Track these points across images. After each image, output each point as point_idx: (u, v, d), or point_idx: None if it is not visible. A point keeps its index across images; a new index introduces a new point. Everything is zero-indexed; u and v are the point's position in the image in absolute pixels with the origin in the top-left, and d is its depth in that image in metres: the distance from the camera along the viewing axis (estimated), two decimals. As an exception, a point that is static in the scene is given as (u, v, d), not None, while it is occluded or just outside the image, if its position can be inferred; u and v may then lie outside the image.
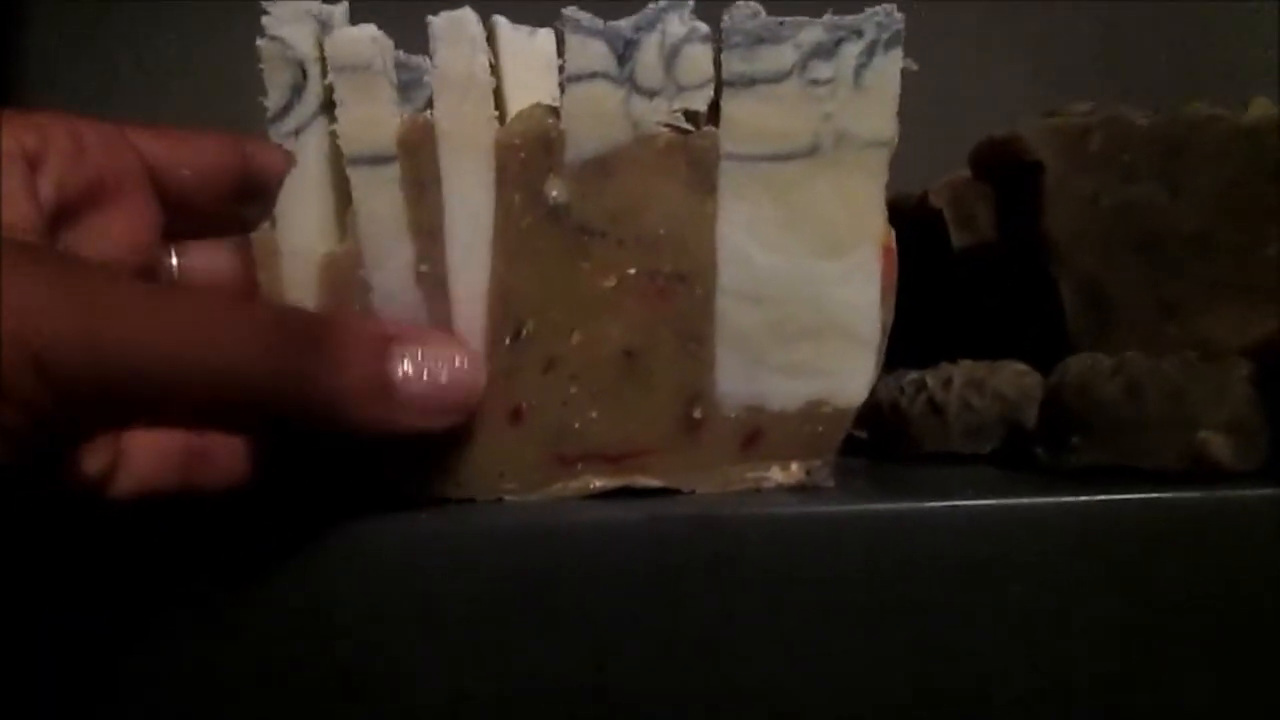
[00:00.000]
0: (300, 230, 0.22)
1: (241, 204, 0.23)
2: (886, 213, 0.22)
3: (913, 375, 0.29)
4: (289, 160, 0.22)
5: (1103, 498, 0.21)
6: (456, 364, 0.21)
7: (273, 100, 0.22)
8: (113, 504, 0.21)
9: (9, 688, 0.21)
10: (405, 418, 0.20)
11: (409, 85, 0.23)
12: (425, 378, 0.20)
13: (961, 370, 0.28)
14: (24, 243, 0.18)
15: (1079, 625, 0.20)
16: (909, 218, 0.30)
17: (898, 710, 0.21)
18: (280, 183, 0.22)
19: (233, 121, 0.24)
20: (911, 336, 0.25)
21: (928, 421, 0.27)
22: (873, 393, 0.24)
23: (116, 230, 0.21)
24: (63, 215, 0.21)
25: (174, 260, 0.23)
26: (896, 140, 0.22)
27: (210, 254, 0.23)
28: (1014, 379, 0.27)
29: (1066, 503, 0.21)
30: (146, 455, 0.22)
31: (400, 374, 0.20)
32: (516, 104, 0.22)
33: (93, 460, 0.20)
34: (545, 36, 0.23)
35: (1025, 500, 0.21)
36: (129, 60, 0.53)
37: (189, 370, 0.17)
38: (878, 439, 0.29)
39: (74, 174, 0.20)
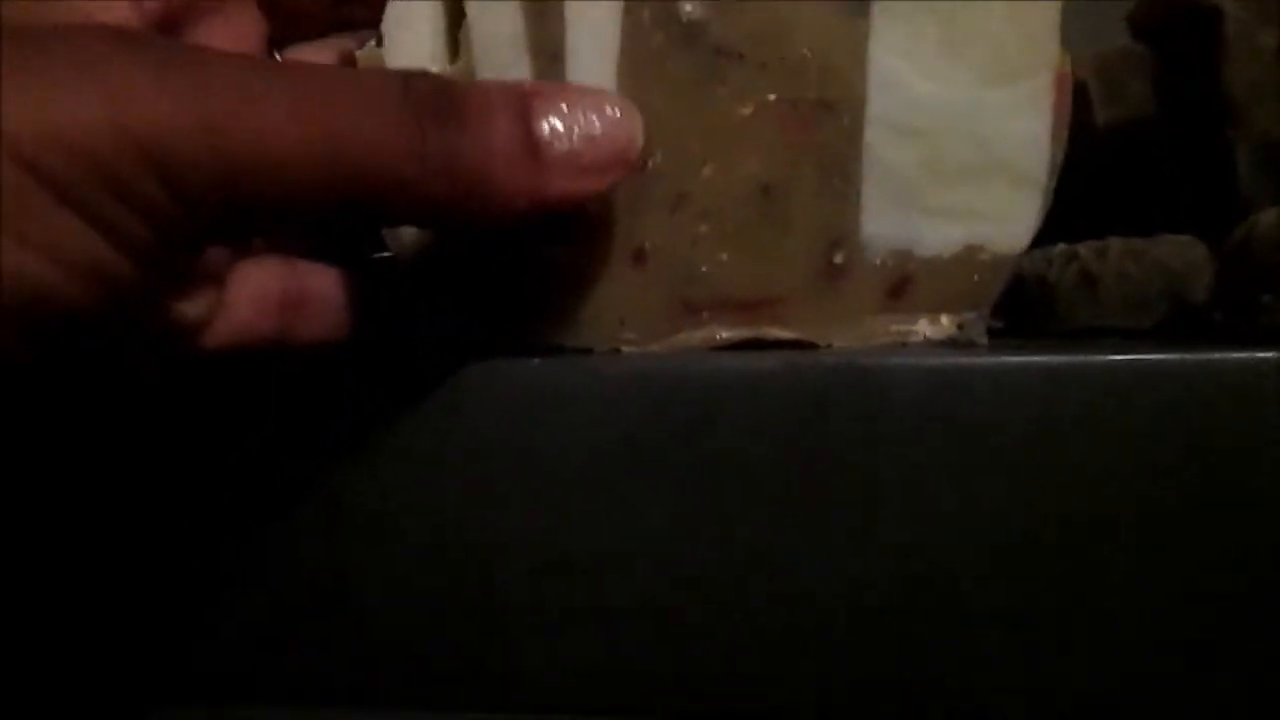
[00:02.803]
0: (409, 49, 0.21)
1: (344, 4, 0.22)
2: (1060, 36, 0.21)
3: (1061, 247, 0.27)
4: None
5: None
6: (608, 112, 0.19)
7: (382, -94, 0.21)
8: (211, 352, 0.21)
9: (93, 542, 0.22)
10: (559, 180, 0.18)
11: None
12: (576, 131, 0.19)
13: (1118, 241, 0.26)
14: (122, 29, 0.17)
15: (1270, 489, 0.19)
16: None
17: (1047, 564, 0.20)
18: None
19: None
20: (1054, 219, 0.24)
21: (1080, 294, 0.26)
22: (1014, 267, 0.23)
23: (221, 41, 0.21)
24: (166, 26, 0.21)
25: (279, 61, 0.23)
26: (1079, -49, 0.20)
27: (312, 52, 0.23)
28: (1178, 249, 0.26)
29: (1260, 359, 0.19)
30: (245, 304, 0.21)
31: (547, 129, 0.18)
32: (647, -86, 0.21)
33: (192, 306, 0.20)
34: None
35: (1207, 356, 0.20)
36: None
37: (322, 153, 0.16)
38: (1019, 316, 0.27)
39: None
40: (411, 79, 0.18)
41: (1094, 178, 0.31)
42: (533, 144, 0.18)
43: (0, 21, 0.16)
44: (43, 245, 0.15)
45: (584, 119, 0.19)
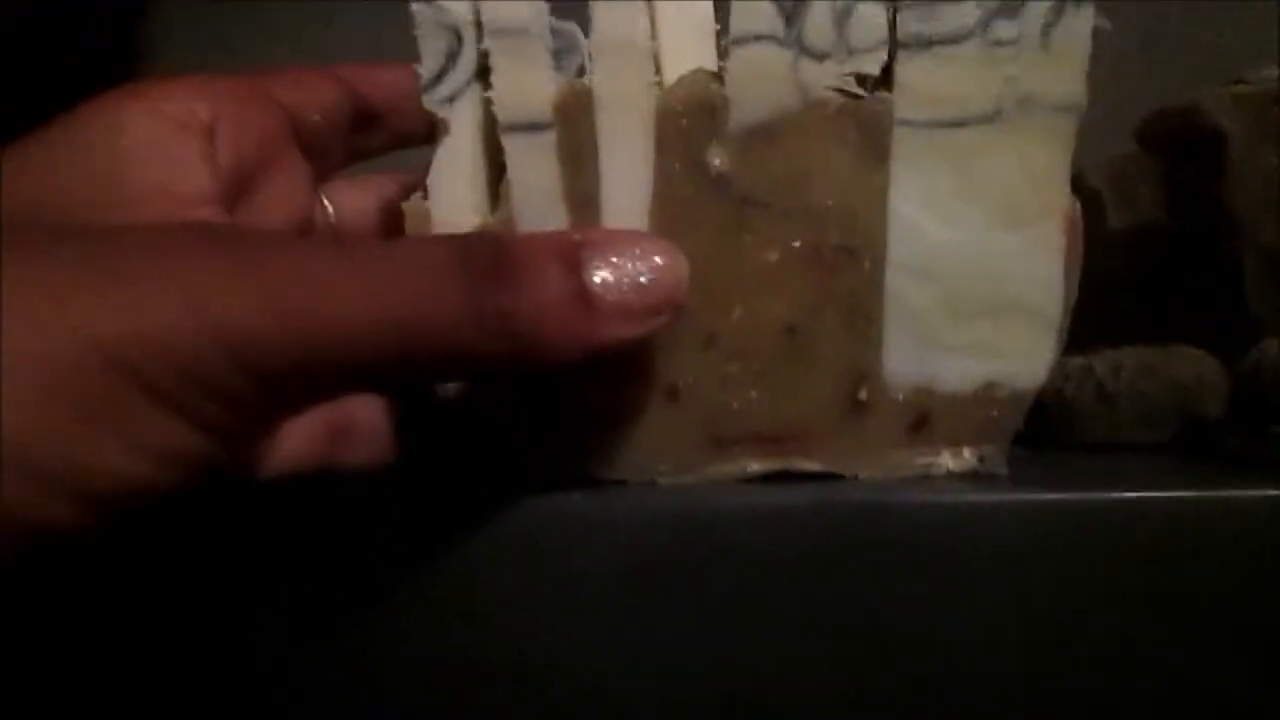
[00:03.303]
0: (453, 201, 0.23)
1: (356, 134, 0.24)
2: (1069, 183, 0.22)
3: (1077, 361, 0.28)
4: (442, 128, 0.23)
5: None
6: (655, 259, 0.20)
7: (427, 67, 0.22)
8: (263, 484, 0.22)
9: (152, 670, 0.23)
10: (610, 327, 0.19)
11: (561, 52, 0.23)
12: (625, 280, 0.19)
13: (1132, 356, 0.28)
14: (198, 224, 0.18)
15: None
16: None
17: (1075, 702, 0.21)
18: (393, 108, 0.23)
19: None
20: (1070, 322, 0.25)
21: (1096, 410, 0.27)
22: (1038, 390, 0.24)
23: (282, 190, 0.22)
24: (239, 184, 0.22)
25: (329, 208, 0.24)
26: (1085, 104, 0.22)
27: (354, 193, 0.24)
28: (1191, 364, 0.27)
29: (1271, 497, 0.21)
30: (294, 434, 0.22)
31: (598, 280, 0.19)
32: (673, 70, 0.22)
33: (251, 453, 0.21)
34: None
35: (1225, 493, 0.21)
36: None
37: (386, 330, 0.17)
38: (1037, 428, 0.28)
39: (245, 140, 0.21)
40: (470, 245, 0.19)
41: (1108, 281, 0.32)
42: (585, 296, 0.19)
43: (77, 225, 0.18)
44: (137, 443, 0.16)
45: (633, 266, 0.19)
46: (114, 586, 0.22)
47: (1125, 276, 0.33)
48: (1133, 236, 0.33)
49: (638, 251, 0.20)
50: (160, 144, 0.21)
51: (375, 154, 0.26)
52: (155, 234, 0.17)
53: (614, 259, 0.19)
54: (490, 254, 0.19)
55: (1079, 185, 0.35)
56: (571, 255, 0.19)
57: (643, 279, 0.20)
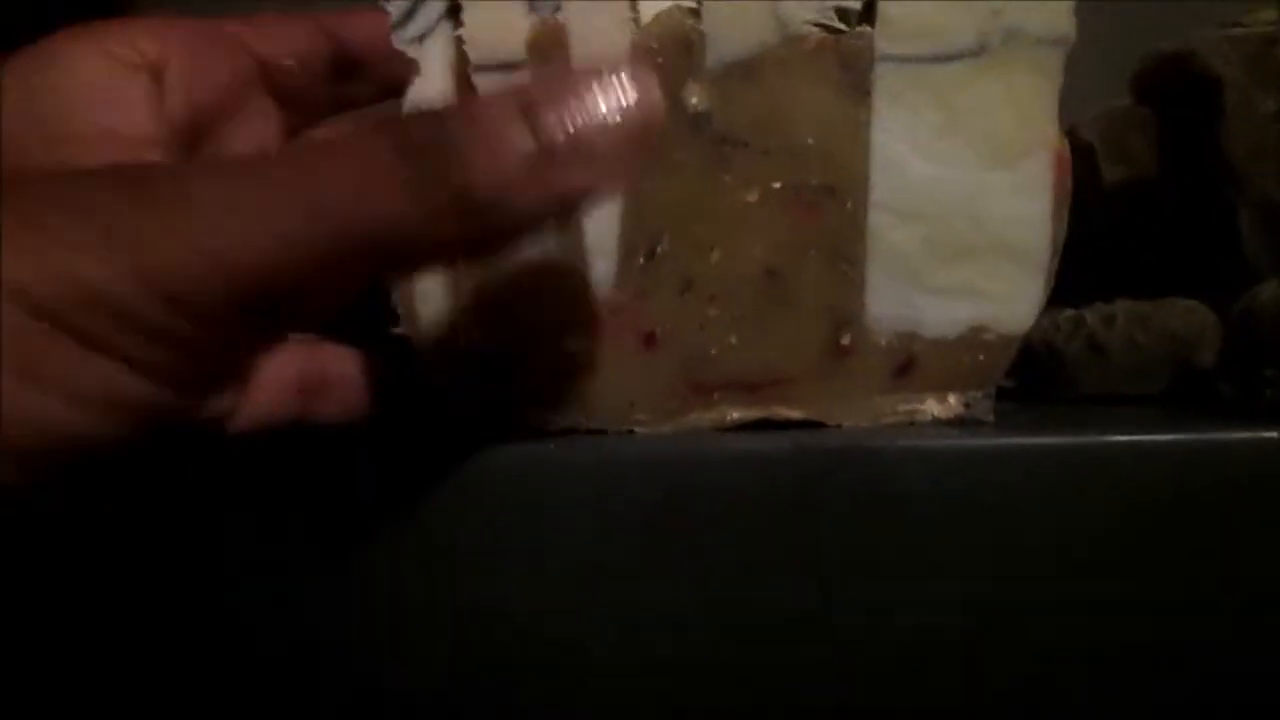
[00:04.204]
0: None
1: (339, 84, 0.23)
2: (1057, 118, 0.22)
3: (1068, 313, 0.28)
4: (412, 68, 0.23)
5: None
6: (618, 94, 0.18)
7: (395, 5, 0.22)
8: (233, 438, 0.22)
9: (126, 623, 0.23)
10: (577, 178, 0.17)
11: (535, -13, 0.23)
12: (590, 121, 0.17)
13: (1124, 307, 0.28)
14: (110, 166, 0.18)
15: (1270, 568, 0.20)
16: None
17: (1056, 648, 0.21)
18: (377, 56, 0.23)
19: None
20: (1061, 278, 0.25)
21: (1088, 361, 0.27)
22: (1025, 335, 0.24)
23: (245, 137, 0.22)
24: (194, 129, 0.22)
25: None
26: (1073, 36, 0.22)
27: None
28: (1183, 315, 0.27)
29: (1262, 439, 0.21)
30: (265, 388, 0.22)
31: (559, 132, 0.17)
32: (648, 6, 0.22)
33: (218, 403, 0.21)
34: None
35: (1213, 436, 0.21)
36: None
37: (327, 239, 0.16)
38: (1029, 381, 0.28)
39: (199, 84, 0.21)
40: (408, 127, 0.17)
41: (1101, 236, 0.32)
42: (546, 153, 0.17)
43: (3, 175, 0.17)
44: (73, 391, 0.16)
45: (595, 106, 0.18)
46: (83, 544, 0.23)
47: (1119, 230, 0.33)
48: (1126, 190, 0.33)
49: (600, 89, 0.18)
50: (106, 85, 0.20)
51: (362, 104, 0.26)
52: (66, 179, 0.17)
53: (573, 104, 0.17)
54: (433, 131, 0.17)
55: (1072, 139, 0.36)
56: (525, 110, 0.17)
57: (609, 118, 0.18)
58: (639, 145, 0.18)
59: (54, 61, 0.20)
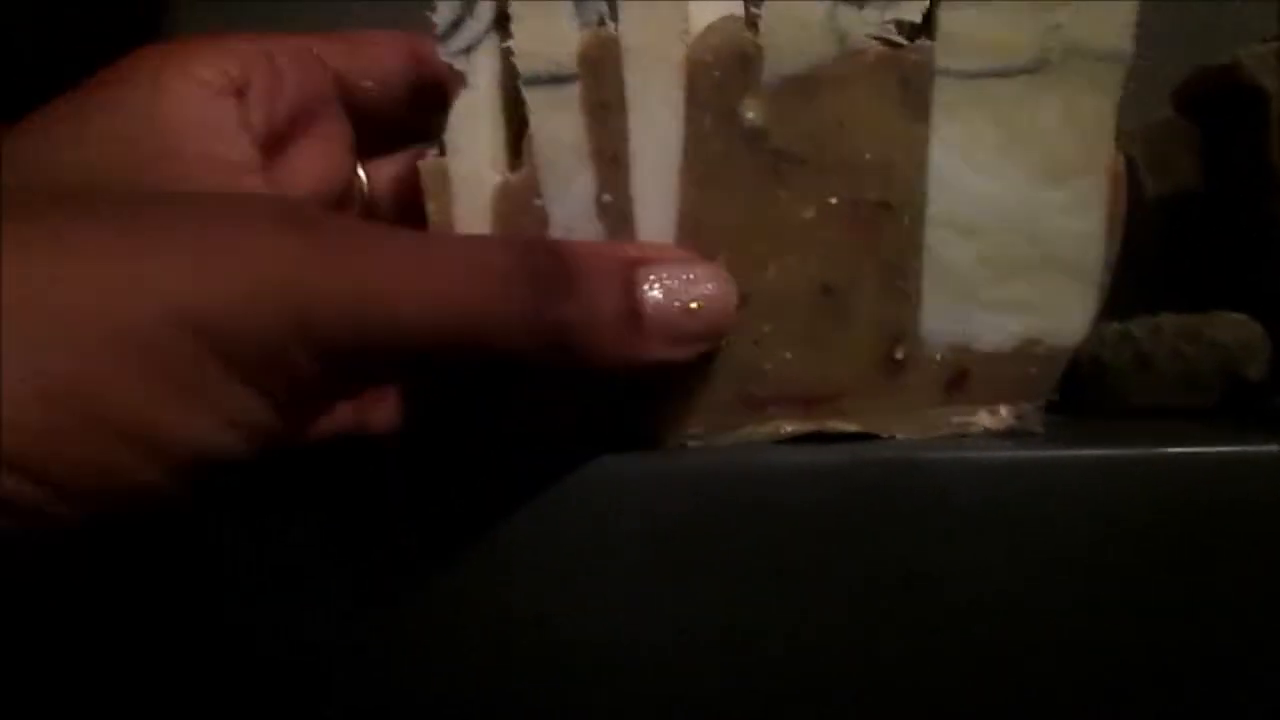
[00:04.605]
0: (472, 157, 0.23)
1: (420, 111, 0.23)
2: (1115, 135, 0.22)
3: (1114, 326, 0.29)
4: (458, 81, 0.23)
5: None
6: (707, 287, 0.21)
7: (441, 16, 0.22)
8: (296, 448, 0.23)
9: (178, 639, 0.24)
10: (656, 348, 0.20)
11: (584, 0, 0.23)
12: (677, 303, 0.21)
13: (1171, 320, 0.28)
14: (274, 198, 0.19)
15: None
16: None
17: (1110, 663, 0.22)
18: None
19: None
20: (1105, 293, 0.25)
21: (1134, 374, 0.27)
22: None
23: (318, 157, 0.22)
24: (270, 147, 0.22)
25: (363, 178, 0.24)
26: (1132, 53, 0.22)
27: (396, 169, 0.24)
28: (1233, 328, 0.27)
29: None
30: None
31: (651, 301, 0.20)
32: (703, 17, 0.22)
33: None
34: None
35: (1262, 448, 0.21)
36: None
37: (448, 326, 0.18)
38: (1075, 395, 0.29)
39: (276, 102, 0.21)
40: (533, 252, 0.19)
41: (1145, 249, 0.33)
42: (636, 315, 0.20)
43: (151, 192, 0.18)
44: (215, 410, 0.17)
45: (685, 290, 0.21)
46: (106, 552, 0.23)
47: (1162, 246, 0.33)
48: (1170, 203, 0.33)
49: (690, 276, 0.21)
50: (200, 111, 0.21)
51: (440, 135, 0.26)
52: (232, 204, 0.17)
53: (667, 280, 0.21)
54: (551, 263, 0.20)
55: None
56: (628, 272, 0.20)
57: (693, 304, 0.21)
58: (711, 337, 0.22)
59: (143, 87, 0.20)
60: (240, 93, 0.21)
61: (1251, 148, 0.28)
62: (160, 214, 0.17)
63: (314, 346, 0.17)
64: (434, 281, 0.18)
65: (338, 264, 0.17)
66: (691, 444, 0.23)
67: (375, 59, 0.23)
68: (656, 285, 0.20)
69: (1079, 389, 0.27)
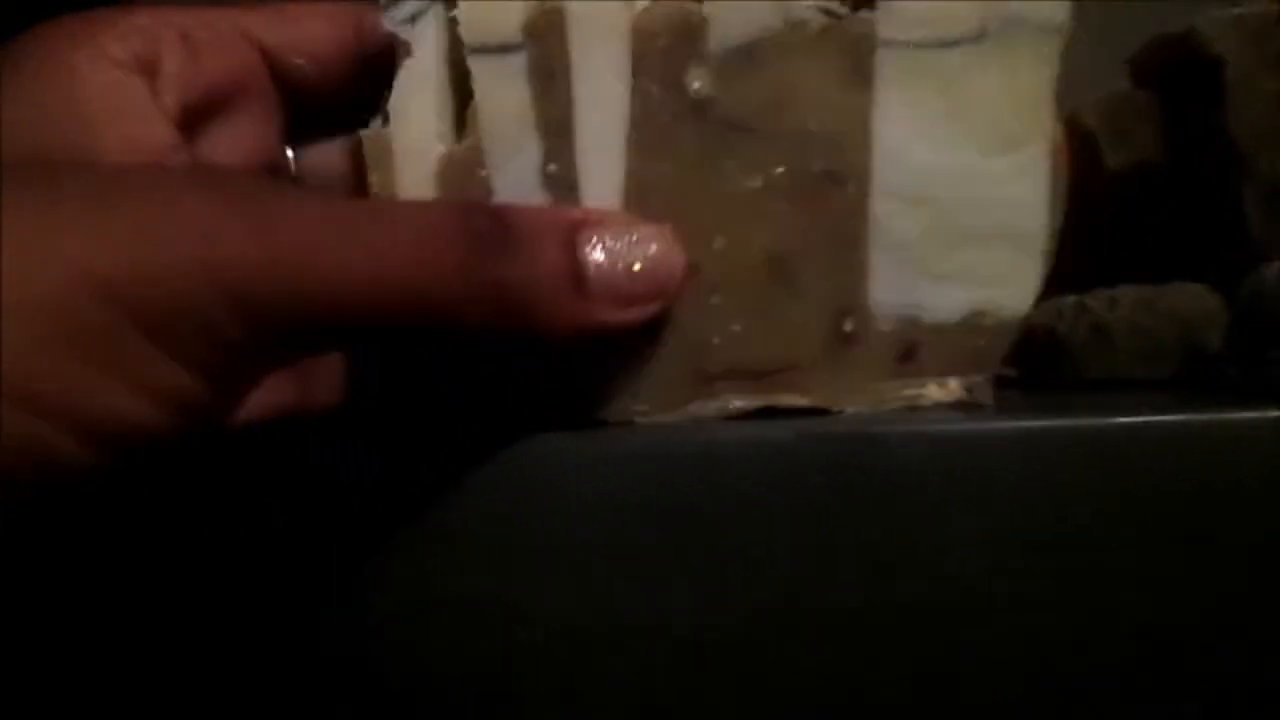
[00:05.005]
0: (416, 127, 0.23)
1: (363, 87, 0.24)
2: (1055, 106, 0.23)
3: (1070, 299, 0.29)
4: (403, 50, 0.23)
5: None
6: (653, 247, 0.21)
7: (387, -14, 0.23)
8: (234, 428, 0.22)
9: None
10: (601, 310, 0.20)
11: (532, -32, 0.23)
12: (620, 264, 0.21)
13: (1128, 291, 0.28)
14: (198, 167, 0.19)
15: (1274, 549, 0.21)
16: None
17: (1062, 634, 0.21)
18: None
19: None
20: (1065, 264, 0.25)
21: (1092, 346, 0.27)
22: (1025, 319, 0.24)
23: (241, 136, 0.22)
24: (189, 127, 0.22)
25: (290, 158, 0.24)
26: (1070, 24, 0.22)
27: (327, 149, 0.24)
28: (1190, 298, 0.28)
29: (1264, 418, 0.21)
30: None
31: (593, 262, 0.20)
32: (650, -11, 0.23)
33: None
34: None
35: (1218, 416, 0.21)
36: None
37: (383, 289, 0.18)
38: (1034, 368, 0.29)
39: (192, 80, 0.21)
40: (471, 213, 0.20)
41: (1105, 222, 0.33)
42: (578, 276, 0.20)
43: (74, 164, 0.18)
44: (136, 381, 0.17)
45: (629, 252, 0.21)
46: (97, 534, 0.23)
47: (1122, 217, 0.34)
48: (1129, 174, 0.34)
49: (634, 237, 0.21)
50: (113, 92, 0.21)
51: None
52: (154, 175, 0.17)
53: (610, 242, 0.21)
54: (489, 224, 0.20)
55: (1073, 125, 0.36)
56: (569, 233, 0.20)
57: (636, 266, 0.21)
58: (657, 299, 0.22)
59: (57, 70, 0.20)
60: (151, 71, 0.21)
61: (1209, 118, 0.28)
62: (75, 184, 0.17)
63: (239, 313, 0.17)
64: (365, 243, 0.18)
65: (260, 229, 0.17)
66: (640, 420, 0.23)
67: (309, 34, 0.23)
68: (599, 246, 0.20)
69: (1037, 362, 0.28)
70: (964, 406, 0.23)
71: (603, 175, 0.23)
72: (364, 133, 0.23)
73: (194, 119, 0.22)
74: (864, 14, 0.22)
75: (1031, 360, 0.29)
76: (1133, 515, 0.21)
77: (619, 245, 0.21)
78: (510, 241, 0.20)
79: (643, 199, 0.23)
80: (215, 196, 0.17)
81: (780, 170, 0.23)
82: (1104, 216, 0.33)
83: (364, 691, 0.23)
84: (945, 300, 0.23)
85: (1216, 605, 0.21)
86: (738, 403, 0.23)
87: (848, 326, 0.23)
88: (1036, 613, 0.21)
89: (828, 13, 0.22)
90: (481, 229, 0.19)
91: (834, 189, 0.23)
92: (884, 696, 0.22)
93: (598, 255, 0.20)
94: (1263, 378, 0.23)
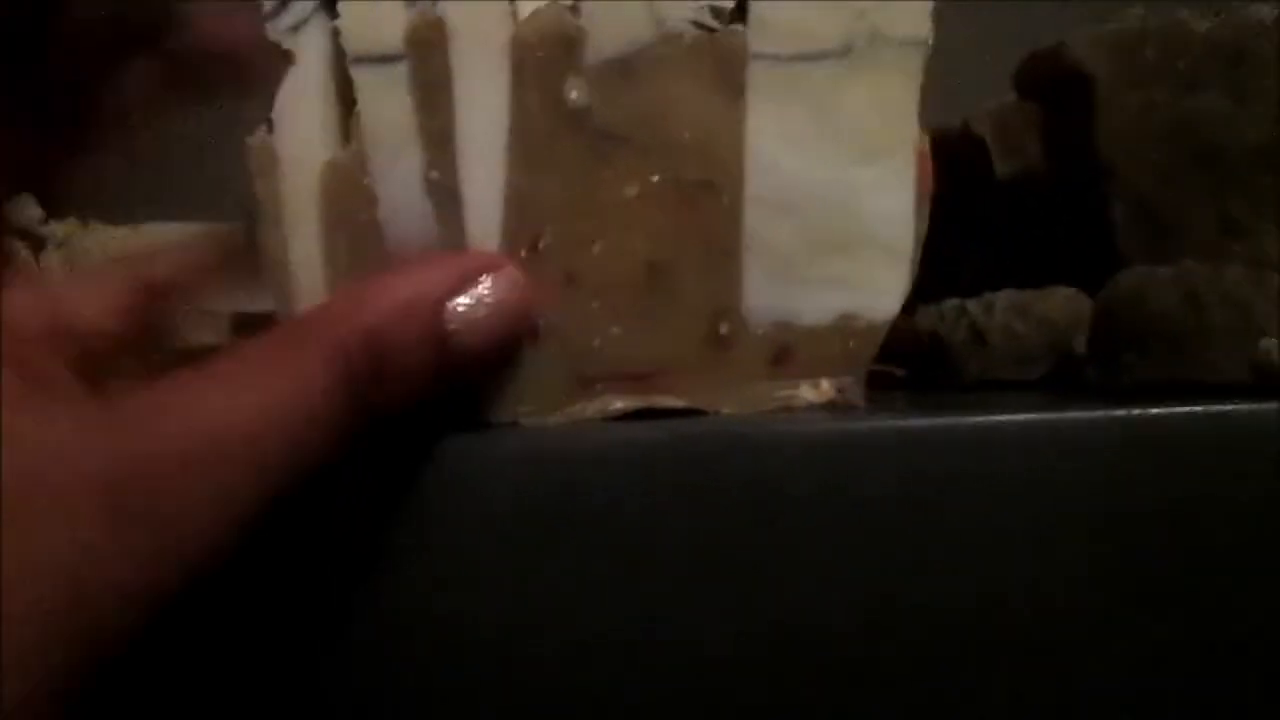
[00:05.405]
0: (300, 136, 0.24)
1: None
2: (918, 117, 0.24)
3: (952, 303, 0.31)
4: (287, 59, 0.24)
5: (1156, 410, 0.22)
6: (502, 291, 0.22)
7: (269, -5, 0.23)
8: None
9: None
10: (461, 372, 0.22)
11: (414, -21, 0.24)
12: (479, 320, 0.22)
13: (1004, 296, 0.30)
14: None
15: (1129, 542, 0.22)
16: (950, 149, 0.31)
17: (933, 630, 0.22)
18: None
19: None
20: (955, 272, 0.27)
21: (970, 349, 0.29)
22: (911, 323, 0.26)
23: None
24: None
25: None
26: (932, 40, 0.24)
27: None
28: (1062, 303, 0.29)
29: (1116, 416, 0.22)
30: None
31: (452, 333, 0.22)
32: (527, 1, 0.24)
33: None
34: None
35: (1070, 415, 0.23)
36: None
37: (276, 468, 0.19)
38: (917, 370, 0.31)
39: None
40: (344, 352, 0.20)
41: (993, 228, 0.35)
42: (443, 355, 0.22)
43: None
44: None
45: (481, 308, 0.22)
46: None
47: (1010, 224, 0.36)
48: (1016, 183, 0.35)
49: (485, 288, 0.22)
50: None
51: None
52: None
53: (465, 308, 0.22)
54: (369, 363, 0.21)
55: (965, 133, 0.38)
56: (434, 322, 0.21)
57: (495, 323, 0.22)
58: (514, 343, 0.24)
59: None
60: None
61: (1079, 130, 0.30)
62: None
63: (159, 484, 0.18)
64: (253, 426, 0.19)
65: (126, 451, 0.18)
66: (525, 421, 0.24)
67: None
68: (457, 313, 0.22)
69: (923, 365, 0.29)
70: (835, 407, 0.24)
71: (484, 183, 0.23)
72: (249, 140, 0.24)
73: None
74: (736, 28, 0.23)
75: (918, 362, 0.31)
76: (994, 509, 0.22)
77: (473, 305, 0.22)
78: (385, 365, 0.21)
79: (522, 207, 0.23)
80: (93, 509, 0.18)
81: (656, 179, 0.24)
82: (995, 223, 0.35)
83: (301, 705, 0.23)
84: (816, 304, 0.24)
85: (1083, 605, 0.22)
86: (618, 404, 0.24)
87: (723, 330, 0.24)
88: (900, 611, 0.22)
89: (701, 26, 0.23)
90: (362, 373, 0.20)
91: (708, 198, 0.24)
92: (754, 692, 0.23)
93: (456, 325, 0.22)
94: (1117, 378, 0.25)
